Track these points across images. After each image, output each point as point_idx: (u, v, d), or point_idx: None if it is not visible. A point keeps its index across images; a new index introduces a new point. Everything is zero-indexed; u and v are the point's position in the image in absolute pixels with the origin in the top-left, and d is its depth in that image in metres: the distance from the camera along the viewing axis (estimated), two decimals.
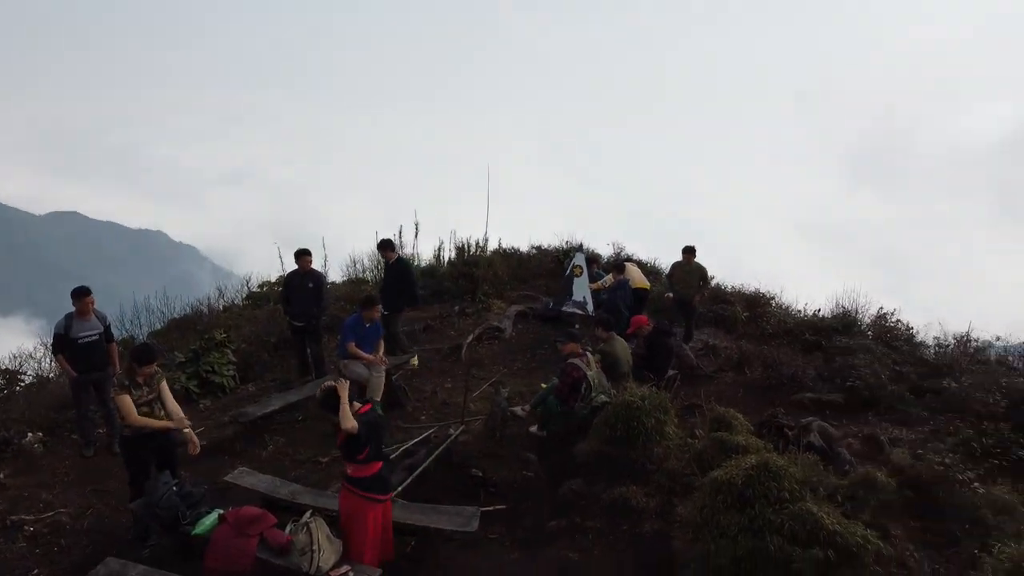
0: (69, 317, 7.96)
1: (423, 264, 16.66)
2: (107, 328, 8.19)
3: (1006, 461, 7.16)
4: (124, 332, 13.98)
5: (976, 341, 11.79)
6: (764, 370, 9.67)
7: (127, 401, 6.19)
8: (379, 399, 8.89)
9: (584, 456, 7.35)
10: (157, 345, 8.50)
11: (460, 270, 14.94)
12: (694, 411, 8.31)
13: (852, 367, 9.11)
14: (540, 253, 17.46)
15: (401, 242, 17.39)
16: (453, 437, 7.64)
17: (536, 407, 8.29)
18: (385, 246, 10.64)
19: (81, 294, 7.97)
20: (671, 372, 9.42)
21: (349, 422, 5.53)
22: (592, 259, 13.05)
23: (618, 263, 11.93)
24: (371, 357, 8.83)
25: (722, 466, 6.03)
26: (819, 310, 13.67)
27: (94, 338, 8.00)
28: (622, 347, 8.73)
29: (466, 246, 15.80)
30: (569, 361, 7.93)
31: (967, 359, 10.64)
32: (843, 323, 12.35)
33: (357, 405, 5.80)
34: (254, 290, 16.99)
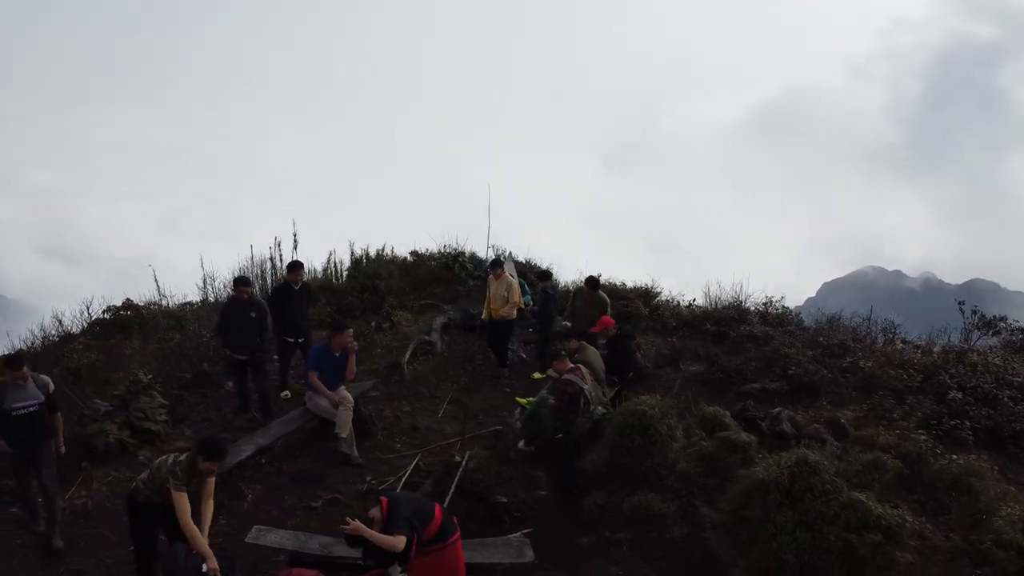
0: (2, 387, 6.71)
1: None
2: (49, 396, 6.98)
3: (940, 432, 8.25)
4: None
5: (849, 320, 13.36)
6: (709, 364, 10.31)
7: (184, 500, 5.47)
8: (345, 435, 8.33)
9: (595, 467, 7.53)
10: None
11: (363, 283, 14.34)
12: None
13: (787, 356, 9.96)
14: (420, 259, 17.15)
15: (280, 256, 16.33)
16: (463, 464, 7.49)
17: (528, 421, 8.32)
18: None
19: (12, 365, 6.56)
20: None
21: (395, 542, 5.09)
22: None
23: (542, 272, 12.10)
24: (331, 394, 8.42)
25: (760, 465, 6.48)
26: (694, 300, 14.81)
27: (33, 409, 6.81)
28: (595, 355, 8.95)
29: (364, 256, 15.19)
30: (563, 377, 8.04)
31: (849, 336, 11.96)
32: (738, 312, 13.43)
33: (376, 514, 5.31)
34: (99, 316, 15.03)
